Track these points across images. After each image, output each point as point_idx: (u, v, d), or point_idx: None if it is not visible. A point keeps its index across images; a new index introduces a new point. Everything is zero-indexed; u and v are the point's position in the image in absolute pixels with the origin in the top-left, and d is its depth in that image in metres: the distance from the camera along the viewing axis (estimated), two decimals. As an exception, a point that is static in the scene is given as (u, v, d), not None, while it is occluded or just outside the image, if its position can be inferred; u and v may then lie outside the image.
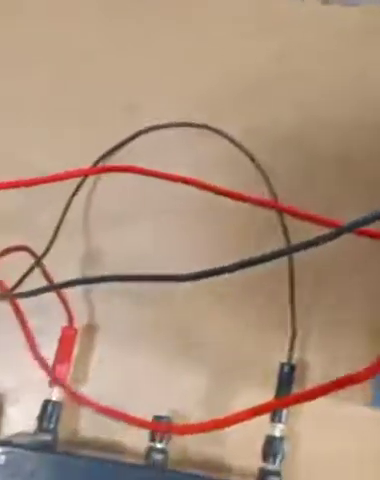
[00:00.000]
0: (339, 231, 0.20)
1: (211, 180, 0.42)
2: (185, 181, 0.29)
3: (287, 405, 0.28)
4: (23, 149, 0.43)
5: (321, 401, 0.37)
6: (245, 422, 0.36)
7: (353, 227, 0.20)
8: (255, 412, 0.25)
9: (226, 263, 0.22)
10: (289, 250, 0.21)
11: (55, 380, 0.36)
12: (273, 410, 0.33)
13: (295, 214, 0.31)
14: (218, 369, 0.39)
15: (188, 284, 0.39)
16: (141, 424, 0.30)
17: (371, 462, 0.38)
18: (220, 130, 0.43)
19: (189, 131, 0.43)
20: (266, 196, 0.41)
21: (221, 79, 0.44)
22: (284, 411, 0.36)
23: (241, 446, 0.38)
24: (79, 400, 0.30)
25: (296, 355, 0.38)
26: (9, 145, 0.43)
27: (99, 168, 0.38)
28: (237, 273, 0.38)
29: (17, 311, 0.30)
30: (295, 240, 0.38)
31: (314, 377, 0.38)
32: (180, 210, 0.41)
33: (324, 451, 0.38)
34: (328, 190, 0.42)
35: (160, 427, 0.31)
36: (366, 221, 0.20)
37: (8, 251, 0.31)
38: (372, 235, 0.23)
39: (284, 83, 0.44)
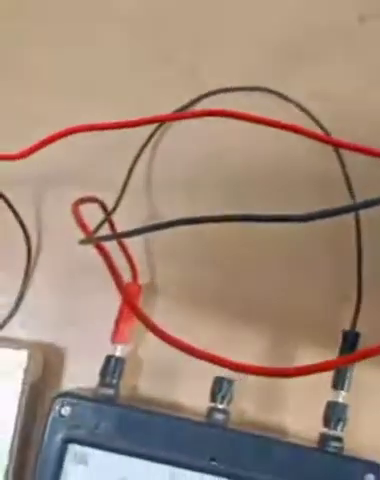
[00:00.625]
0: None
1: (282, 145, 0.42)
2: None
3: (353, 361, 0.28)
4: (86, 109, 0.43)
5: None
6: (306, 388, 0.36)
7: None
8: (320, 367, 0.25)
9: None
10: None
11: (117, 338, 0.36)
12: (337, 367, 0.32)
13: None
14: (280, 333, 0.39)
15: (252, 250, 0.39)
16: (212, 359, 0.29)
17: None
18: (287, 96, 0.42)
19: (253, 95, 0.43)
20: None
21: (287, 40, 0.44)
22: (347, 378, 0.35)
23: (302, 412, 0.37)
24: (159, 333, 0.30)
25: (360, 324, 0.38)
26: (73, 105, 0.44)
27: (183, 114, 0.37)
28: (305, 232, 0.37)
29: (104, 254, 0.29)
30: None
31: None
32: (248, 176, 0.41)
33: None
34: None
35: (228, 363, 0.30)
36: None
37: (82, 201, 0.31)
38: None
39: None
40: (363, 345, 0.37)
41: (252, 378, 0.37)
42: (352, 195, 0.39)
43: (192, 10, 0.44)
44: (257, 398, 0.38)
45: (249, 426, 0.37)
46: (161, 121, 0.36)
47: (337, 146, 0.39)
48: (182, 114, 0.29)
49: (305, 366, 0.26)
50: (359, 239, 0.38)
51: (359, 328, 0.37)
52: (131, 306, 0.35)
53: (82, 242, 0.30)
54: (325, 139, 0.30)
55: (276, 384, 0.38)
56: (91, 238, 0.29)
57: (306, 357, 0.38)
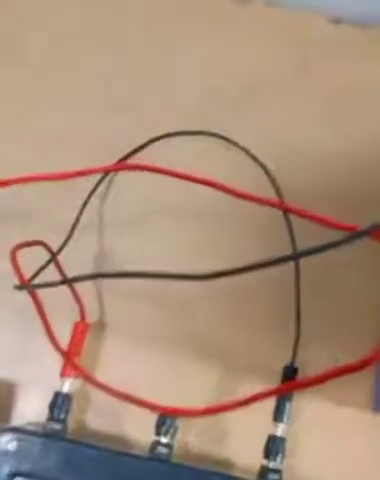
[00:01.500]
0: (354, 235, 0.21)
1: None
2: (204, 182, 0.30)
3: (283, 392, 0.30)
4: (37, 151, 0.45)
5: (323, 405, 0.39)
6: (248, 422, 0.38)
7: (372, 229, 0.21)
8: (253, 398, 0.26)
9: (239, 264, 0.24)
10: (296, 256, 0.22)
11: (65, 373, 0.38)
12: (269, 397, 0.34)
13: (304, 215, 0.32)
14: (225, 370, 0.40)
15: (197, 286, 0.41)
16: (151, 407, 0.31)
17: (371, 467, 0.39)
18: (232, 139, 0.44)
19: (199, 139, 0.45)
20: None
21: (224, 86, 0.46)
22: (286, 411, 0.37)
23: (244, 445, 0.39)
24: (96, 383, 0.31)
25: (301, 357, 0.40)
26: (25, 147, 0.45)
27: (120, 165, 0.40)
28: (246, 275, 0.39)
29: (36, 302, 0.31)
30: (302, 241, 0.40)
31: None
32: (194, 212, 0.43)
33: (324, 454, 0.39)
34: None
35: (168, 409, 0.32)
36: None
37: (24, 245, 0.32)
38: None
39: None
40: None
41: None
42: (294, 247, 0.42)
43: (138, 59, 0.47)
44: (202, 431, 0.39)
45: (194, 459, 0.38)
46: (93, 173, 0.38)
47: (285, 210, 0.41)
48: (106, 167, 0.31)
49: (227, 403, 0.28)
50: (298, 276, 0.40)
51: (299, 362, 0.39)
52: (72, 364, 0.36)
53: (17, 288, 0.32)
54: (268, 202, 0.32)
55: (221, 416, 0.40)
56: (25, 285, 0.30)
57: (250, 391, 0.39)
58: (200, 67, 0.47)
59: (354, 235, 0.20)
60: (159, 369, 0.40)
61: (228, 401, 0.30)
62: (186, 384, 0.40)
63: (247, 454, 0.38)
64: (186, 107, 0.46)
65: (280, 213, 0.42)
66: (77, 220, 0.42)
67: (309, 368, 0.39)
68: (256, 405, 0.37)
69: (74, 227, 0.41)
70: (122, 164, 0.37)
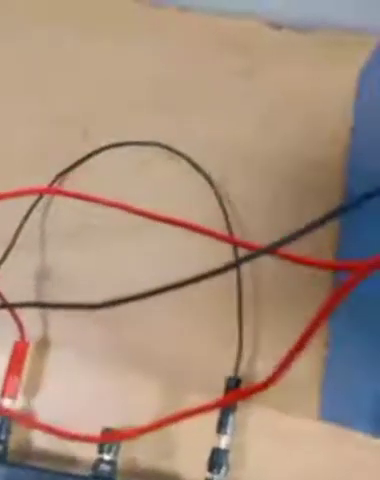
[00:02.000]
0: (253, 254, 0.21)
1: (169, 199, 0.44)
2: (119, 206, 0.30)
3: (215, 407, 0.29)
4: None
5: (269, 413, 0.39)
6: (196, 435, 0.38)
7: (270, 249, 0.21)
8: (185, 414, 0.26)
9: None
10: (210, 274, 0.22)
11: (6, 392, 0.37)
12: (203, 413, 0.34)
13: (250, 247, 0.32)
14: (169, 383, 0.40)
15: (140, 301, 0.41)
16: (87, 439, 0.31)
17: (316, 476, 0.39)
18: (174, 148, 0.44)
19: (144, 150, 0.44)
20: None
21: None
22: (229, 423, 0.37)
23: (192, 459, 0.39)
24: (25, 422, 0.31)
25: (245, 368, 0.40)
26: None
27: (45, 189, 0.39)
28: (190, 288, 0.39)
29: None
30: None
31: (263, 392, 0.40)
32: (134, 226, 0.43)
33: (271, 464, 0.39)
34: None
35: (103, 438, 0.32)
36: (280, 243, 0.21)
37: None
38: (293, 259, 0.24)
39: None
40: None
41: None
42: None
43: (77, 70, 0.46)
44: (149, 446, 0.39)
45: (141, 475, 0.38)
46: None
47: (234, 244, 0.41)
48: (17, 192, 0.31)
49: (166, 418, 0.28)
50: (240, 290, 0.40)
51: (242, 373, 0.39)
52: (18, 362, 0.36)
53: None
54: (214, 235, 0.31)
55: (167, 431, 0.39)
56: None
57: (196, 403, 0.39)
58: (138, 76, 0.46)
59: (253, 254, 0.20)
60: (104, 385, 0.40)
61: (166, 417, 0.29)
62: (132, 399, 0.40)
63: (195, 468, 0.38)
64: (128, 117, 0.46)
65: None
66: (16, 235, 0.41)
67: (254, 378, 0.39)
68: (204, 417, 0.37)
69: (13, 242, 0.40)
70: (39, 188, 0.37)
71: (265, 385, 0.21)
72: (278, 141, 0.45)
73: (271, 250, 0.20)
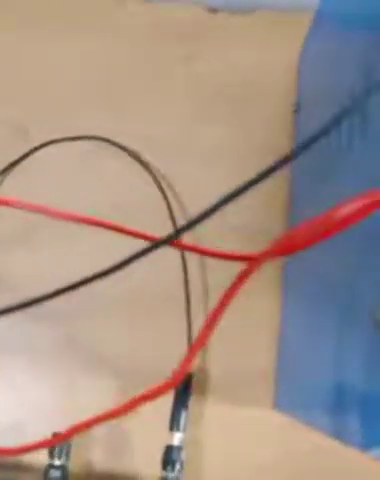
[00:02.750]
0: (150, 247, 0.20)
1: (112, 194, 0.43)
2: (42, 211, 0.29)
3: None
4: None
5: (225, 406, 0.39)
6: (150, 433, 0.37)
7: (167, 240, 0.20)
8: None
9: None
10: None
11: None
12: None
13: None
14: (119, 382, 0.39)
15: (84, 298, 0.40)
16: (28, 450, 0.30)
17: (273, 467, 0.38)
18: (117, 142, 0.43)
19: (84, 144, 0.43)
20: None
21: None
22: (182, 419, 0.36)
23: (145, 458, 0.38)
24: None
25: (197, 363, 0.39)
26: None
27: None
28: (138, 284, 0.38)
29: None
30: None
31: (215, 384, 0.39)
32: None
33: (227, 457, 0.38)
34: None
35: (46, 443, 0.31)
36: (175, 235, 0.20)
37: None
38: (185, 248, 0.23)
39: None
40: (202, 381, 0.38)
41: (95, 429, 0.38)
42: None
43: (17, 74, 0.45)
44: (103, 447, 0.38)
45: (96, 477, 0.37)
46: None
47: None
48: None
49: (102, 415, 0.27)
50: (187, 287, 0.39)
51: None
52: None
53: None
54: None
55: (120, 431, 0.39)
56: None
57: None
58: (76, 70, 0.45)
59: (150, 247, 0.19)
60: (52, 385, 0.39)
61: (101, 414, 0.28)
62: (80, 398, 0.39)
63: (150, 467, 0.38)
64: (68, 113, 0.44)
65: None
66: None
67: (205, 373, 0.39)
68: (157, 416, 0.36)
69: None
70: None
71: (172, 384, 0.20)
72: (221, 126, 0.44)
73: (170, 241, 0.19)
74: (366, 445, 0.20)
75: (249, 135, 0.43)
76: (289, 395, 0.36)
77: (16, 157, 0.43)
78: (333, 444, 0.37)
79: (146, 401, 0.21)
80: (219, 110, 0.44)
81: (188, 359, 0.20)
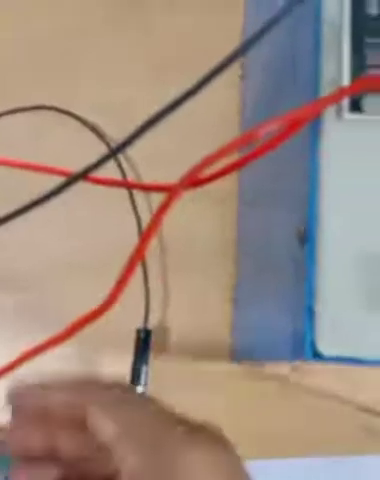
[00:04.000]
0: (68, 181, 0.21)
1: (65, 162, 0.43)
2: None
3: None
4: None
5: (186, 360, 0.40)
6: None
7: (83, 174, 0.21)
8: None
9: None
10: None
11: None
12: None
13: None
14: (83, 345, 0.40)
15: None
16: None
17: (234, 416, 0.39)
18: (68, 110, 0.44)
19: (37, 114, 0.44)
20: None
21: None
22: (142, 374, 0.37)
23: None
24: None
25: (156, 320, 0.40)
26: None
27: None
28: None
29: None
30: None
31: (174, 340, 0.40)
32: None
33: (189, 411, 0.39)
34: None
35: None
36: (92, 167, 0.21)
37: None
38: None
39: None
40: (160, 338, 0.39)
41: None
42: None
43: None
44: None
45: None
46: None
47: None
48: None
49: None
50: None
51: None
52: None
53: None
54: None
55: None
56: None
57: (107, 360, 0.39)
58: (25, 36, 0.45)
59: (67, 181, 0.20)
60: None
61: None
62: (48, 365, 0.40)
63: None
64: (17, 82, 0.45)
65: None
66: None
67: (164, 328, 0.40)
68: (118, 370, 0.37)
69: None
70: None
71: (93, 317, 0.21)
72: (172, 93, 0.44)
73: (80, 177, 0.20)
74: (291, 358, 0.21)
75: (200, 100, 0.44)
76: (245, 342, 0.37)
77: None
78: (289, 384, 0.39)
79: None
80: (170, 75, 0.44)
81: (112, 297, 0.21)
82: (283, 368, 0.39)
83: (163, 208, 0.20)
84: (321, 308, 0.19)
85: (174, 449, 0.22)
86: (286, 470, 0.37)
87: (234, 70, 0.40)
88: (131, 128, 0.44)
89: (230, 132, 0.39)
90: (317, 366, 0.39)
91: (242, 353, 0.38)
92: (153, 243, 0.41)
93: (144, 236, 0.21)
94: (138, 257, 0.21)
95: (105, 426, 0.22)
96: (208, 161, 0.21)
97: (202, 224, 0.41)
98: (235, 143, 0.20)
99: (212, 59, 0.44)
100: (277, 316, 0.25)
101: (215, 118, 0.43)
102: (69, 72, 0.45)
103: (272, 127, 0.18)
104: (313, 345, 0.19)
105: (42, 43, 0.45)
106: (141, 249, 0.21)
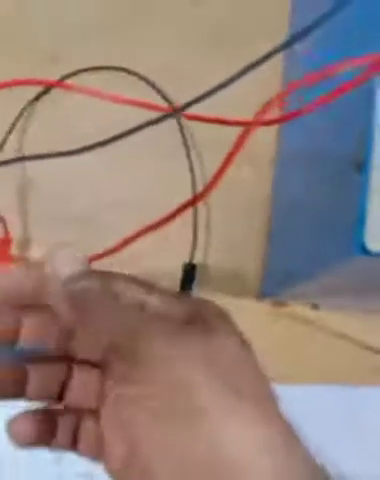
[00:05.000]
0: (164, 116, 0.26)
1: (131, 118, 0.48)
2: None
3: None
4: None
5: (213, 296, 0.44)
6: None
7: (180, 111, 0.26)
8: None
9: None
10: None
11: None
12: None
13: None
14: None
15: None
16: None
17: (262, 354, 0.45)
18: (133, 71, 0.49)
19: (107, 73, 0.49)
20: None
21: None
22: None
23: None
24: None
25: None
26: None
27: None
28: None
29: None
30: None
31: (214, 274, 0.45)
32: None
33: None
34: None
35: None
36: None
37: None
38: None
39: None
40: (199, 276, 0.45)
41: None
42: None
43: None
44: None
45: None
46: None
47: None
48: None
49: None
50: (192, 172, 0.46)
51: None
52: None
53: None
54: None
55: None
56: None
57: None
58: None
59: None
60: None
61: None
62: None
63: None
64: (88, 42, 0.50)
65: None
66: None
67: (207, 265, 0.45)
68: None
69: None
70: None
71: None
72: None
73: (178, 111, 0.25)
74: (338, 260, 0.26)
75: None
76: (274, 281, 0.42)
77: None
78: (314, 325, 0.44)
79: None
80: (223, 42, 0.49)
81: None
82: (305, 307, 0.44)
83: (239, 143, 0.25)
84: (371, 208, 0.24)
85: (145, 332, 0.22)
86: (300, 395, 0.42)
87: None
88: (189, 91, 0.49)
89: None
90: (336, 308, 0.45)
91: (272, 289, 0.43)
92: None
93: (220, 169, 0.25)
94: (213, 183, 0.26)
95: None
96: (281, 96, 0.26)
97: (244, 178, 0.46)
98: (308, 78, 0.25)
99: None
100: (318, 234, 0.31)
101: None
102: (138, 36, 0.50)
103: (349, 66, 0.23)
104: (362, 242, 0.24)
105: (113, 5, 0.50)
106: (217, 177, 0.26)
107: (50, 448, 0.25)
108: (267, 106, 0.26)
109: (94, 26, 0.50)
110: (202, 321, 0.23)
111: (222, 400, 0.21)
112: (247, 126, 0.26)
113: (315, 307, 0.44)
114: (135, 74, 0.49)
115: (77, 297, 0.22)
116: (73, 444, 0.25)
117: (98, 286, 0.22)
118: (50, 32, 0.50)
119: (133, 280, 0.23)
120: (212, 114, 0.42)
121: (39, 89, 0.49)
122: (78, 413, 0.25)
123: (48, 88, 0.49)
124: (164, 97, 0.48)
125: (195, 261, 0.45)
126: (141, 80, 0.49)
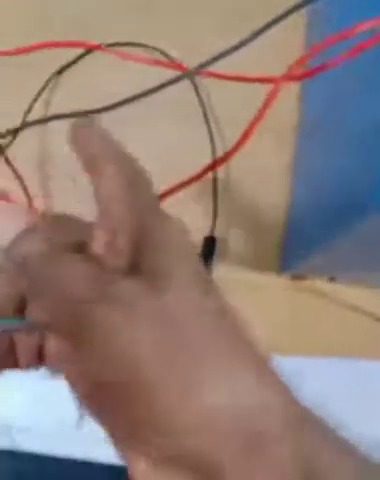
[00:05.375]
0: (182, 75, 0.26)
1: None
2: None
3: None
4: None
5: (233, 271, 0.45)
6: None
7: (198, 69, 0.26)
8: None
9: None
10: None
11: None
12: None
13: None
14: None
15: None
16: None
17: (281, 327, 0.46)
18: (160, 49, 0.49)
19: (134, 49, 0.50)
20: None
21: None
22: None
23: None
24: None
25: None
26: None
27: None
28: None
29: None
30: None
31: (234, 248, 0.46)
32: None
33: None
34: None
35: None
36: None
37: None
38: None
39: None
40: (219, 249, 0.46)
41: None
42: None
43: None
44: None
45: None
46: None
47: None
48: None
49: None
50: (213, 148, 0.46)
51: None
52: None
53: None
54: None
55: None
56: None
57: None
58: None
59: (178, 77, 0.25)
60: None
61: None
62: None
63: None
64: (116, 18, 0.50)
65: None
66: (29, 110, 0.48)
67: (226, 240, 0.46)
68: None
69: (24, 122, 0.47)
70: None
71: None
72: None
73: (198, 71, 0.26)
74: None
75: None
76: (294, 255, 0.43)
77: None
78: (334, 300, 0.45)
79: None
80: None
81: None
82: (323, 281, 0.45)
83: (269, 99, 0.26)
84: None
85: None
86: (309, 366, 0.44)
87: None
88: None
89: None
90: (352, 281, 0.46)
91: (292, 262, 0.44)
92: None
93: (250, 126, 0.26)
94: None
95: None
96: (310, 55, 0.27)
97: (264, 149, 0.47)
98: (332, 38, 0.25)
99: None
100: (337, 201, 0.31)
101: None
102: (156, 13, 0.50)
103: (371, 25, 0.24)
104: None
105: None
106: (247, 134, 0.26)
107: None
108: (291, 67, 0.26)
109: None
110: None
111: (175, 374, 0.19)
112: (273, 83, 0.27)
113: (332, 280, 0.45)
114: (156, 49, 0.49)
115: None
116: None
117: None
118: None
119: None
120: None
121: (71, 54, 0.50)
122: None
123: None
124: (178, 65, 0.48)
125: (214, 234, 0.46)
126: (162, 55, 0.49)
